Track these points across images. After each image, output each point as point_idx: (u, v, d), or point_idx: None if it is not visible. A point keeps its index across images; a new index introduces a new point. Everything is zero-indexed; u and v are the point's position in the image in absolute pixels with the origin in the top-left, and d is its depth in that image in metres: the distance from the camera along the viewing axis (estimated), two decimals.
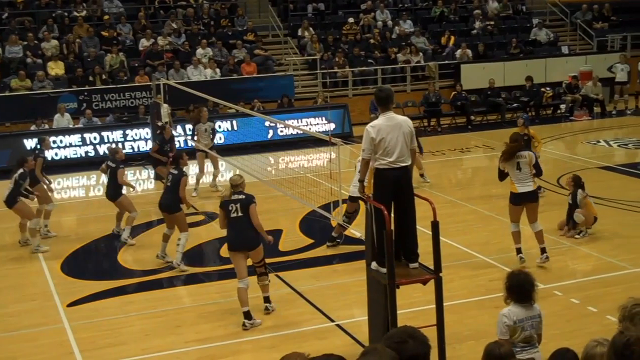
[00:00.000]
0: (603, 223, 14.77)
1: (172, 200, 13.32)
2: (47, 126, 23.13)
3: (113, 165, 15.07)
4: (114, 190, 15.11)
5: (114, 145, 18.11)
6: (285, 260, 13.64)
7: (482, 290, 11.74)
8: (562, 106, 28.16)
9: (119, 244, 14.89)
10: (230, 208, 10.86)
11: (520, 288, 7.18)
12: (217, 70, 26.65)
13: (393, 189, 8.92)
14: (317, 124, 25.18)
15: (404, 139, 8.89)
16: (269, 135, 23.96)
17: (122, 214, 15.42)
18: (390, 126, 8.90)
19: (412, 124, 9.15)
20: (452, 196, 17.04)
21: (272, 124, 23.46)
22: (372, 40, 29.79)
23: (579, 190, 14.23)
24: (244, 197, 10.87)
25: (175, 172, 13.46)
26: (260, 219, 10.93)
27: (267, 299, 11.35)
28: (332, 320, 11.00)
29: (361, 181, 9.25)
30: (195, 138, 18.84)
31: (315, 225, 15.61)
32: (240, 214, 10.82)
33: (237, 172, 12.53)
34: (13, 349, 10.64)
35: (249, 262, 11.10)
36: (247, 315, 10.90)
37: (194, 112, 19.93)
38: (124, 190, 15.42)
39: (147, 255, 14.19)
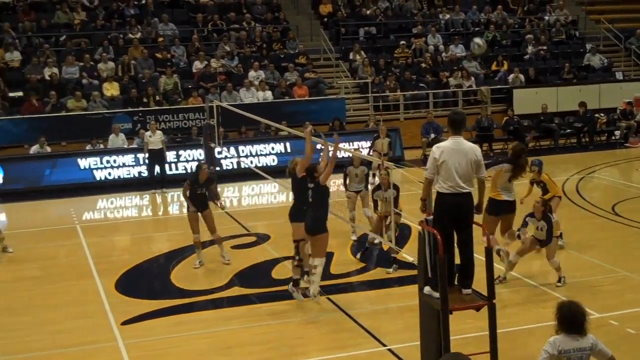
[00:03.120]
0: None
1: (317, 219, 11.99)
2: (102, 146, 23.51)
3: None
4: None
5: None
6: (336, 283, 13.63)
7: (536, 317, 11.60)
8: (617, 132, 27.84)
9: (172, 264, 14.99)
10: None
11: (571, 319, 7.03)
12: (269, 92, 26.85)
13: (452, 214, 8.89)
14: (369, 147, 25.16)
15: (467, 166, 8.86)
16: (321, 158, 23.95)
17: None
18: (455, 150, 8.88)
19: (479, 153, 9.07)
20: None
21: (324, 147, 23.44)
22: (423, 64, 29.80)
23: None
24: None
25: (312, 185, 12.16)
26: None
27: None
28: (384, 345, 10.95)
29: (423, 200, 9.24)
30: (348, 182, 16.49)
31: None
32: None
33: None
34: None
35: None
36: None
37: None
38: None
39: (199, 276, 14.30)
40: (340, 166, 21.53)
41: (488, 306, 8.92)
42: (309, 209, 12.13)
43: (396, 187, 13.91)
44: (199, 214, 14.57)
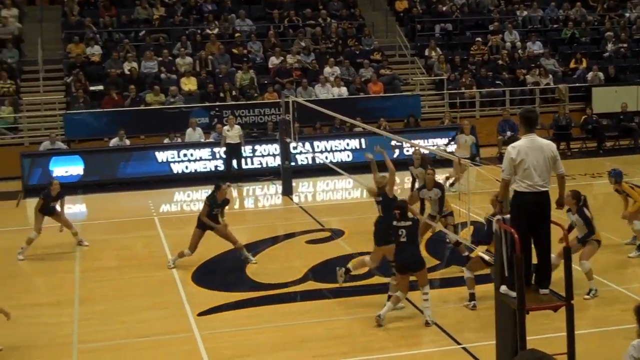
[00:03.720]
0: None
1: (418, 257, 11.89)
2: (179, 140, 23.86)
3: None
4: None
5: None
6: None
7: (615, 320, 11.39)
8: None
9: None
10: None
11: None
12: (344, 88, 26.89)
13: (531, 213, 8.76)
14: (447, 142, 25.00)
15: (545, 163, 8.72)
16: (395, 155, 23.90)
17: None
18: (531, 148, 8.73)
19: (555, 149, 8.91)
20: None
21: (399, 143, 23.42)
22: (500, 61, 29.46)
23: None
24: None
25: (409, 223, 11.75)
26: None
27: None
28: (459, 343, 10.89)
29: (500, 202, 9.13)
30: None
31: (441, 247, 15.50)
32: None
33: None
34: (144, 355, 10.99)
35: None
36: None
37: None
38: None
39: (274, 270, 14.42)
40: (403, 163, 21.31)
41: (566, 307, 8.77)
42: (405, 248, 11.71)
43: (440, 187, 13.82)
44: (210, 231, 14.69)
